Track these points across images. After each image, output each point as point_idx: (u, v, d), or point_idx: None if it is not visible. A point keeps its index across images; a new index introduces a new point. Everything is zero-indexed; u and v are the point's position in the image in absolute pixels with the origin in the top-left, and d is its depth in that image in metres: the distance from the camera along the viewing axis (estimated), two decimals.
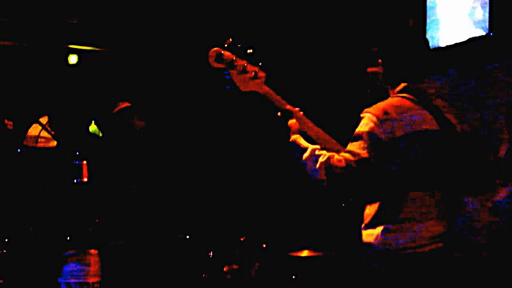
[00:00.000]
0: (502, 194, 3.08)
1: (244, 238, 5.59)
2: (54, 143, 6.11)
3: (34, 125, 6.17)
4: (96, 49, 6.98)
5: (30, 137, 6.16)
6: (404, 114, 2.84)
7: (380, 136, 2.78)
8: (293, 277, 5.31)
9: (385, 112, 2.83)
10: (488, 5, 4.61)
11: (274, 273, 5.50)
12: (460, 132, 2.95)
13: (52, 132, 5.90)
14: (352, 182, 2.75)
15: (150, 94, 6.55)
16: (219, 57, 3.07)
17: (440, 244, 2.80)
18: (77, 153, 5.21)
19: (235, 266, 5.41)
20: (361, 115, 2.89)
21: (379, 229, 2.84)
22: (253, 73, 3.09)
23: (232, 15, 6.68)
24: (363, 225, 2.94)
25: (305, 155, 2.83)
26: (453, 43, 4.92)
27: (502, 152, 3.43)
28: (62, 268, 5.09)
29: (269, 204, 6.45)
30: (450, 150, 2.90)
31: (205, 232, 5.75)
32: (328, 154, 2.79)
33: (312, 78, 6.32)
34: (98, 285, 5.03)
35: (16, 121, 6.09)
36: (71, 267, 5.06)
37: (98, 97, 6.11)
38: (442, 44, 4.97)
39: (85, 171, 5.25)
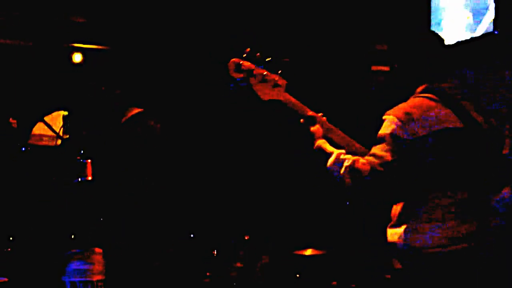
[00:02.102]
0: (505, 192, 3.08)
1: (248, 237, 5.60)
2: (59, 141, 6.11)
3: (38, 124, 6.18)
4: (101, 47, 6.98)
5: (35, 135, 6.17)
6: (425, 114, 2.84)
7: (403, 137, 2.78)
8: (297, 275, 5.31)
9: (407, 113, 2.83)
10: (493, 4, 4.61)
11: (278, 271, 5.51)
12: (487, 130, 2.95)
13: (65, 133, 5.90)
14: (377, 185, 2.75)
15: (155, 91, 6.55)
16: (238, 68, 3.05)
17: (465, 245, 2.79)
18: (82, 152, 5.21)
19: (239, 265, 5.42)
20: (383, 117, 2.89)
21: (403, 228, 2.84)
22: (273, 82, 3.07)
23: (236, 13, 6.68)
24: (389, 225, 2.94)
25: (330, 160, 2.83)
26: (457, 42, 4.93)
27: (506, 150, 3.42)
28: (67, 266, 5.10)
29: (273, 203, 6.45)
30: (476, 148, 2.90)
31: (210, 231, 5.76)
32: (353, 158, 2.79)
33: (318, 80, 6.32)
34: (102, 283, 5.04)
35: (20, 120, 6.10)
36: (75, 265, 5.07)
37: (103, 96, 6.11)
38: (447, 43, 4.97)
39: (89, 169, 5.25)
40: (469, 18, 4.94)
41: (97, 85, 6.21)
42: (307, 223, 6.03)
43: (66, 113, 6.34)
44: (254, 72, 3.05)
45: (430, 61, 3.01)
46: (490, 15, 4.67)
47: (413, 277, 2.82)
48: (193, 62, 6.90)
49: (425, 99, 2.92)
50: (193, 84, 6.90)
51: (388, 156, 2.76)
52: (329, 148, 2.90)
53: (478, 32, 4.82)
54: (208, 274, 5.36)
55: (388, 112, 2.89)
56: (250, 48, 3.07)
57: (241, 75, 3.06)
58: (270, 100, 3.06)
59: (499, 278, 2.84)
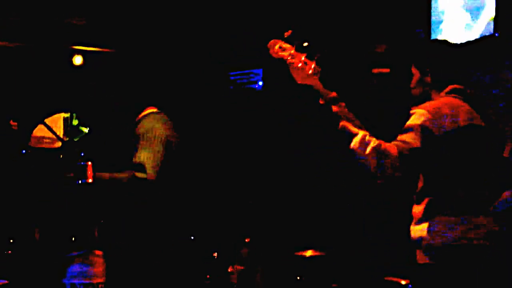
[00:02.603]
0: (505, 195, 3.12)
1: (249, 239, 5.60)
2: (59, 144, 6.10)
3: (39, 126, 6.17)
4: (101, 49, 6.98)
5: (35, 137, 6.17)
6: (454, 111, 2.93)
7: (432, 129, 2.85)
8: (298, 277, 5.31)
9: (436, 108, 2.91)
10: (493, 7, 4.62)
11: (278, 273, 5.51)
12: (501, 130, 3.09)
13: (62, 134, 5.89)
14: (401, 170, 2.77)
15: (157, 94, 6.55)
16: (279, 48, 3.07)
17: (487, 242, 2.88)
18: (82, 154, 5.21)
19: (240, 267, 5.42)
20: (411, 111, 2.95)
21: (428, 223, 2.91)
22: (309, 67, 3.07)
23: (236, 13, 6.69)
24: (412, 223, 3.00)
25: (356, 139, 2.77)
26: (458, 44, 4.93)
27: (507, 152, 3.46)
28: (67, 269, 5.10)
29: (273, 205, 6.45)
30: (493, 147, 3.02)
31: (210, 233, 5.76)
32: (378, 140, 2.78)
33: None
34: (103, 285, 5.04)
35: (20, 122, 6.09)
36: (75, 268, 5.07)
37: (103, 98, 6.12)
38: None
39: (89, 172, 5.24)
40: (467, 19, 4.95)
41: (97, 87, 6.21)
42: (307, 224, 6.03)
43: (67, 115, 6.34)
44: (293, 54, 3.06)
45: (445, 64, 3.12)
46: (489, 15, 4.68)
47: (439, 271, 2.88)
48: (194, 63, 6.90)
49: (452, 98, 3.01)
50: (193, 85, 6.90)
51: (417, 143, 2.80)
52: (353, 129, 2.85)
53: (477, 33, 4.82)
54: (208, 276, 5.36)
55: (416, 107, 2.96)
56: (292, 31, 3.09)
57: (281, 56, 3.06)
58: (303, 85, 3.06)
59: (501, 278, 2.88)
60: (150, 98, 4.27)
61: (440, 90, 3.08)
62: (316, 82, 3.08)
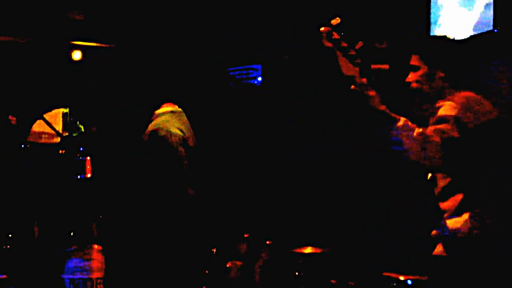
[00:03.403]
0: None
1: (248, 234, 5.60)
2: (58, 139, 6.11)
3: (38, 121, 6.18)
4: (100, 45, 6.98)
5: (34, 133, 6.17)
6: (480, 105, 2.98)
7: (465, 121, 2.88)
8: (296, 273, 5.31)
9: (465, 102, 2.95)
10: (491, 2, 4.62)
11: (277, 269, 5.51)
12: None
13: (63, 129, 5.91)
14: (443, 158, 2.80)
15: (156, 90, 6.55)
16: (329, 36, 3.03)
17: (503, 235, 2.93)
18: (81, 149, 5.22)
19: (238, 263, 5.42)
20: (437, 104, 2.98)
21: (466, 215, 2.93)
22: (353, 58, 3.04)
23: (236, 13, 6.69)
24: (448, 214, 3.01)
25: (399, 124, 2.84)
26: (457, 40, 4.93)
27: None
28: (66, 264, 5.10)
29: (273, 201, 6.45)
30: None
31: (209, 228, 5.75)
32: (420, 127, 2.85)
33: (315, 79, 6.31)
34: (101, 280, 5.04)
35: (19, 117, 6.10)
36: (74, 263, 5.07)
37: (102, 94, 6.11)
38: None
39: (88, 167, 5.26)
40: (466, 15, 4.95)
41: (97, 82, 6.21)
42: (307, 224, 6.03)
43: (66, 110, 6.36)
44: (341, 45, 3.03)
45: (456, 60, 3.16)
46: (488, 12, 4.68)
47: (473, 262, 2.90)
48: (193, 61, 6.90)
49: (472, 93, 3.05)
50: (193, 83, 6.90)
51: (455, 133, 2.83)
52: (392, 113, 2.90)
53: (476, 30, 4.82)
54: (206, 272, 5.35)
55: (443, 100, 2.98)
56: (340, 19, 3.06)
57: (330, 45, 3.02)
58: (347, 76, 3.02)
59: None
60: (149, 95, 4.27)
61: (451, 85, 3.09)
62: (358, 74, 3.04)
